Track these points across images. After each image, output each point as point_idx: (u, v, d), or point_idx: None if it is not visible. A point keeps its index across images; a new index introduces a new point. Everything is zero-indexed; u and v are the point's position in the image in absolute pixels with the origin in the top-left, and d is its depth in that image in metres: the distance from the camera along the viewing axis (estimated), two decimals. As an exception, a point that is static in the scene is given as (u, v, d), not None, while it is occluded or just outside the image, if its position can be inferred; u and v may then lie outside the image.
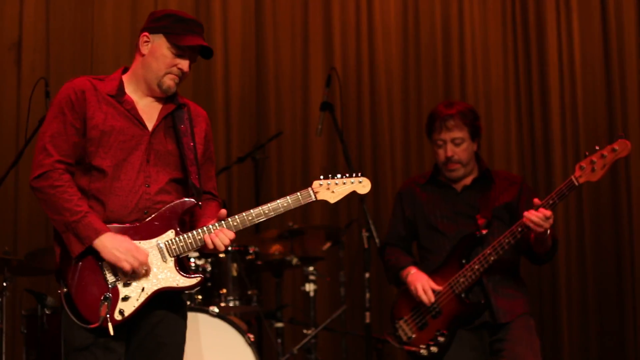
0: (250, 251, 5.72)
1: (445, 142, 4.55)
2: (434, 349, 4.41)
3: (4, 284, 4.93)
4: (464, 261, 4.43)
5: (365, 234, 4.94)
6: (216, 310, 5.18)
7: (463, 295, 4.42)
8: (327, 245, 6.42)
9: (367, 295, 4.99)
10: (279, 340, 6.03)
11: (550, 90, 7.48)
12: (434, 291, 4.42)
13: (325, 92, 5.42)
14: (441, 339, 4.41)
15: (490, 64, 7.64)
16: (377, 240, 4.88)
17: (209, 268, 5.48)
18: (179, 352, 3.56)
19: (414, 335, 4.48)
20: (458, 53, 7.58)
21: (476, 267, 4.37)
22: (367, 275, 4.99)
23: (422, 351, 4.43)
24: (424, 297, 4.40)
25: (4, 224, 6.55)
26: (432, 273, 4.49)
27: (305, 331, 6.06)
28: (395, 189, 7.35)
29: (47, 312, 4.76)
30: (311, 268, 6.12)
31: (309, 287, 6.11)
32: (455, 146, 4.54)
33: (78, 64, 6.86)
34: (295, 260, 5.98)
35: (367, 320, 4.97)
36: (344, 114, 7.00)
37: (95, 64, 6.85)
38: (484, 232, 4.44)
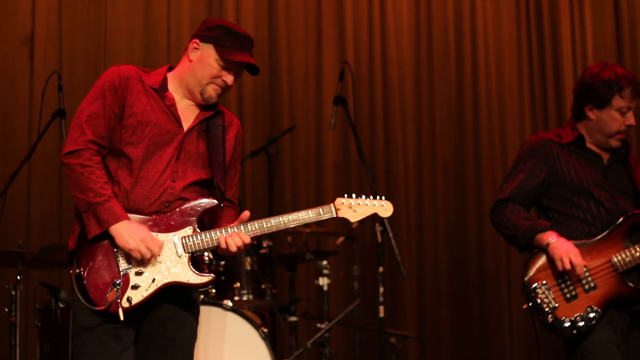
0: (264, 245, 5.71)
1: (630, 109, 4.21)
2: (581, 324, 4.03)
3: (18, 278, 4.95)
4: (630, 240, 4.10)
5: (378, 228, 4.94)
6: (230, 303, 5.18)
7: (626, 276, 4.06)
8: (341, 239, 6.42)
9: (381, 289, 4.99)
10: (293, 334, 6.03)
11: (564, 85, 7.46)
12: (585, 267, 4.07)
13: (338, 86, 5.41)
14: (593, 315, 4.03)
15: (504, 59, 7.62)
16: (390, 234, 4.86)
17: (222, 262, 5.47)
18: (188, 347, 3.56)
19: (557, 305, 4.06)
20: (470, 48, 7.57)
21: None
22: (380, 269, 4.99)
23: (566, 324, 4.04)
24: (579, 269, 4.01)
25: (17, 218, 6.54)
26: (586, 245, 4.10)
27: (318, 325, 6.07)
28: (407, 182, 7.35)
29: (60, 305, 4.77)
30: (325, 262, 6.12)
31: (323, 281, 6.12)
32: (633, 114, 4.23)
33: (91, 58, 6.86)
34: (308, 255, 5.98)
35: (381, 315, 4.98)
36: (356, 108, 6.97)
37: (107, 58, 6.84)
38: None
